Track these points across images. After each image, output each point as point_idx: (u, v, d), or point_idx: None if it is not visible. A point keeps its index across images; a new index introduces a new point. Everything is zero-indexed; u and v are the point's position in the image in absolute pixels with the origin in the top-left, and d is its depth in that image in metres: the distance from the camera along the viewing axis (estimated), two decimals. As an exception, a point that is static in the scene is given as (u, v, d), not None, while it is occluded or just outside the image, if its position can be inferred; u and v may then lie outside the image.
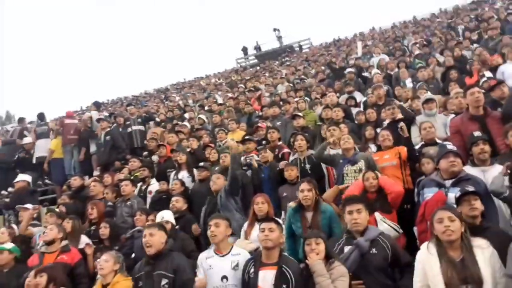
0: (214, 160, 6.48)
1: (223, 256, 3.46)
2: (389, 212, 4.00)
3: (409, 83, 8.56)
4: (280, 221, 3.68)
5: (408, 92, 7.34)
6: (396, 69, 9.79)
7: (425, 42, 12.63)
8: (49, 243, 4.68)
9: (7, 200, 7.98)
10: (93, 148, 9.15)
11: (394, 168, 4.72)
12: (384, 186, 4.08)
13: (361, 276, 3.05)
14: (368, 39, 19.10)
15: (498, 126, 4.22)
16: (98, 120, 9.04)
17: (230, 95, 13.20)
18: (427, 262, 2.70)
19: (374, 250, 3.12)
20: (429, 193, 3.52)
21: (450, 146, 3.80)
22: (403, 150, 4.80)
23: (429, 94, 5.91)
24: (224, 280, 3.34)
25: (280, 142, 6.54)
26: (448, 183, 3.49)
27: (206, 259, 3.52)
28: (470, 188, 3.03)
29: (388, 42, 15.37)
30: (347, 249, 3.19)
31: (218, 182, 5.16)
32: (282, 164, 5.44)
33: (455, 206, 3.00)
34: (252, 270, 3.18)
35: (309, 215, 3.97)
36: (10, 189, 8.53)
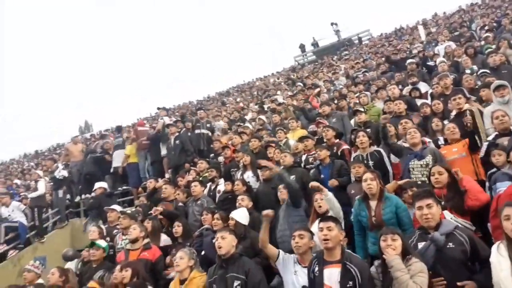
0: (277, 159, 6.64)
1: (306, 267, 3.50)
2: (463, 213, 3.68)
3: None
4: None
5: (471, 81, 6.92)
6: (464, 56, 9.25)
7: (494, 24, 11.76)
8: (133, 241, 5.14)
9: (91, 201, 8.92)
10: (163, 151, 9.75)
11: (464, 161, 4.54)
12: (470, 190, 3.70)
13: (440, 272, 2.92)
14: (432, 26, 18.14)
15: None
16: (168, 125, 9.62)
17: (290, 93, 13.32)
18: (497, 265, 2.58)
19: (451, 244, 2.96)
20: (502, 187, 3.37)
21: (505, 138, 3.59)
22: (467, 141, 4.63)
23: (499, 81, 5.53)
24: None
25: (337, 140, 6.49)
26: None
27: (294, 263, 3.64)
28: None
29: (455, 27, 14.48)
30: (421, 245, 3.08)
31: (285, 191, 5.14)
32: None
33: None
34: (316, 268, 3.21)
35: (373, 204, 3.98)
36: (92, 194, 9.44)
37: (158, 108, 13.12)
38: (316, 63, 23.11)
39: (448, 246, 2.96)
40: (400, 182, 4.57)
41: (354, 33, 27.20)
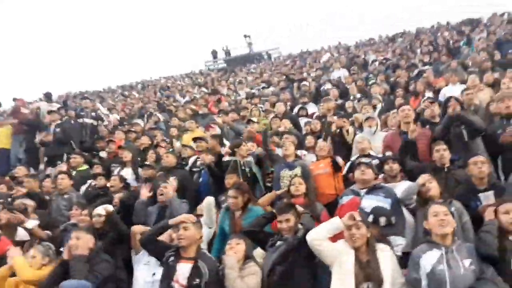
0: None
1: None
2: (317, 220, 4.03)
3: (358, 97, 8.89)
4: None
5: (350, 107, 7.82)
6: (352, 84, 10.13)
7: (383, 60, 13.21)
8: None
9: None
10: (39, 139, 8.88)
11: (327, 176, 5.01)
12: None
13: (285, 268, 3.21)
14: (334, 53, 19.64)
15: (425, 142, 4.60)
16: (49, 112, 8.82)
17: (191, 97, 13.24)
18: (344, 255, 2.99)
19: (299, 248, 3.28)
20: (346, 200, 3.80)
21: (364, 159, 4.12)
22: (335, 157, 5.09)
23: (370, 113, 6.27)
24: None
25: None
26: (362, 192, 3.78)
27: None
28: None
29: (351, 58, 15.85)
30: (278, 243, 3.40)
31: (166, 191, 4.89)
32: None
33: (368, 211, 3.30)
34: (171, 259, 3.28)
35: (237, 213, 4.20)
36: None
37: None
38: (225, 71, 23.39)
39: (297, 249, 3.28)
40: (278, 192, 4.72)
41: (264, 49, 28.23)
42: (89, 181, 6.55)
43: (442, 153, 4.19)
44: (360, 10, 60.87)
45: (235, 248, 3.27)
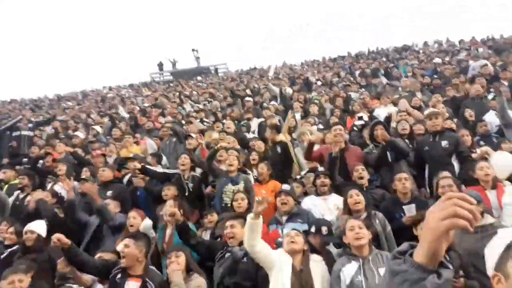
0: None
1: None
2: None
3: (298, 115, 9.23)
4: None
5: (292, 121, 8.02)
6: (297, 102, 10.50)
7: (322, 80, 13.92)
8: None
9: None
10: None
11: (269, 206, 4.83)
12: None
13: (232, 280, 3.39)
14: (279, 73, 20.24)
15: (355, 159, 5.04)
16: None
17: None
18: (283, 264, 3.17)
19: (245, 259, 3.46)
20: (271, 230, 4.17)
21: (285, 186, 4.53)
22: (278, 186, 4.98)
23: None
24: None
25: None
26: (283, 219, 4.17)
27: None
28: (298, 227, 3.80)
29: (295, 77, 16.46)
30: (227, 255, 3.57)
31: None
32: None
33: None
34: (118, 276, 3.26)
35: (168, 231, 4.24)
36: None
37: None
38: (171, 84, 23.13)
39: (243, 261, 3.49)
40: None
41: (212, 63, 28.37)
42: (16, 193, 6.20)
43: (361, 173, 4.71)
44: (360, 10, 62.72)
45: (176, 261, 3.27)
